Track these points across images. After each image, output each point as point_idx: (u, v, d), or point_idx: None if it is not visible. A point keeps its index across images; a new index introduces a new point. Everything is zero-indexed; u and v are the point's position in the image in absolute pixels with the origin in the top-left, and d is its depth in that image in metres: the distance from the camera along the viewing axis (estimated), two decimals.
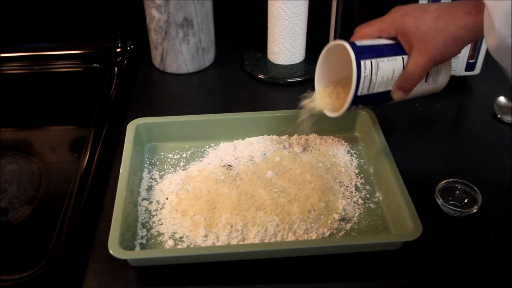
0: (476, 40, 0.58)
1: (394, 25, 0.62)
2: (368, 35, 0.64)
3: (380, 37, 0.64)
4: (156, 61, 0.95)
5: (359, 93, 0.62)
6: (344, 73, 0.67)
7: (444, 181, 0.69)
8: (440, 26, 0.58)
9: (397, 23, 0.62)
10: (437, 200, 0.68)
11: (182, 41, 0.90)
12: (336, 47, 0.65)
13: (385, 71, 0.62)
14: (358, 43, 0.63)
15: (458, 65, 0.87)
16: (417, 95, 0.67)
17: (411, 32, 0.60)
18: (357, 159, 0.76)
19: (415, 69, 0.61)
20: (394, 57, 0.63)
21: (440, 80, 0.67)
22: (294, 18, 0.89)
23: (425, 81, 0.66)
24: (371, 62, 0.61)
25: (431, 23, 0.59)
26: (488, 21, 0.53)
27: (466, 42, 0.60)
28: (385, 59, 0.62)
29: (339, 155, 0.76)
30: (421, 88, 0.66)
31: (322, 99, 0.69)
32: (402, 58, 0.63)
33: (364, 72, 0.61)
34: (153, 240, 0.64)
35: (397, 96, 0.64)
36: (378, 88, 0.63)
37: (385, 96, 0.65)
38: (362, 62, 0.61)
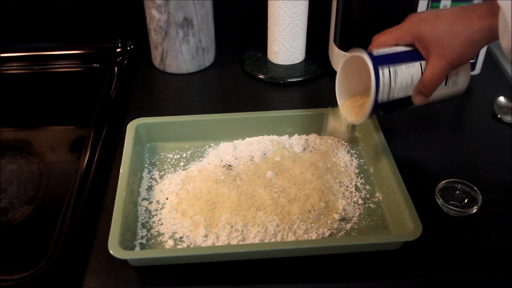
0: (491, 42, 0.59)
1: (410, 32, 0.63)
2: (385, 43, 0.65)
3: (397, 45, 0.65)
4: (156, 61, 0.95)
5: (379, 100, 0.63)
6: (365, 84, 0.67)
7: (444, 181, 0.69)
8: (456, 31, 0.59)
9: (413, 30, 0.63)
10: (437, 200, 0.68)
11: (182, 41, 0.90)
12: (354, 58, 0.65)
13: (404, 77, 0.63)
14: (375, 52, 0.63)
15: None
16: (439, 99, 0.68)
17: (427, 38, 0.61)
18: (357, 159, 0.76)
19: (434, 73, 0.62)
20: (412, 63, 0.63)
21: (460, 83, 0.68)
22: (294, 18, 0.89)
23: (445, 84, 0.67)
24: (389, 69, 0.62)
25: (446, 28, 0.60)
26: (503, 24, 0.53)
27: (482, 44, 0.60)
28: (403, 65, 0.63)
29: (339, 155, 0.76)
30: (442, 91, 0.67)
31: (346, 111, 0.70)
32: (420, 64, 0.63)
33: (383, 80, 0.62)
34: (153, 240, 0.64)
35: (418, 101, 0.65)
36: (398, 94, 0.64)
37: (405, 101, 0.65)
38: (380, 70, 0.62)
